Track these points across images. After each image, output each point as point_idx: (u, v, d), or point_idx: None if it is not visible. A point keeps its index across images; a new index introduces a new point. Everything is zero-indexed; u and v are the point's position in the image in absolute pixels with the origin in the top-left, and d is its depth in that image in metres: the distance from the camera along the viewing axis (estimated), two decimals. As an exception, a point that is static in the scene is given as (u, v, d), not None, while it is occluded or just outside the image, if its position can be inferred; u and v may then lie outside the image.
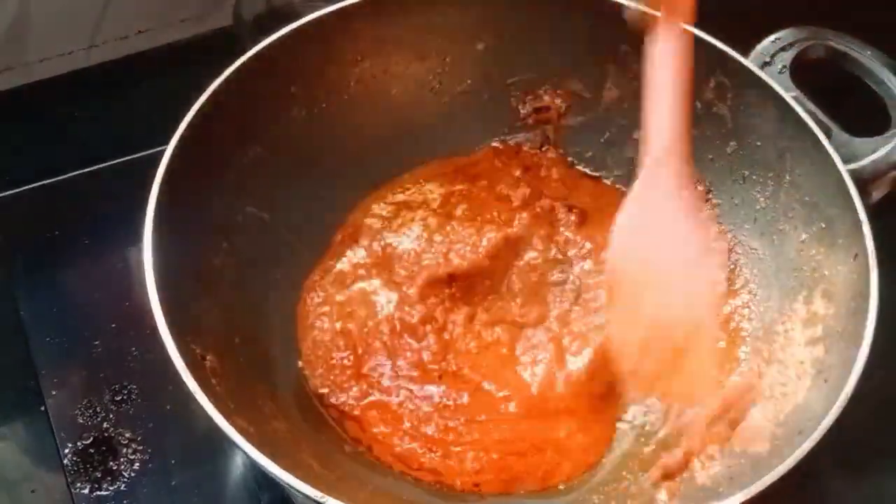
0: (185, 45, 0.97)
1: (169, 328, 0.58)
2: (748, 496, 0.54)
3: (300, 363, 0.72)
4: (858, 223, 0.65)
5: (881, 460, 0.74)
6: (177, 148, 0.66)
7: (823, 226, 0.68)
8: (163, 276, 0.60)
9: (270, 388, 0.68)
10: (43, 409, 0.73)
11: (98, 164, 0.87)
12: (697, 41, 0.71)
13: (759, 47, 0.75)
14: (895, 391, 0.74)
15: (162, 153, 0.65)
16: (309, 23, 0.73)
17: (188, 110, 0.67)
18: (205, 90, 0.69)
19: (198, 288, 0.66)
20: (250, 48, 0.72)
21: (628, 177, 0.81)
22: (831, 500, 0.73)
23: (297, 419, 0.68)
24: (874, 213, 0.66)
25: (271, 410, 0.66)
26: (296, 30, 0.73)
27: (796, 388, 0.64)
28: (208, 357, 0.62)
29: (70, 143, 0.91)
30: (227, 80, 0.69)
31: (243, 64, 0.70)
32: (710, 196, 0.77)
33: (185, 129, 0.66)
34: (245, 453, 0.55)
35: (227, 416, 0.55)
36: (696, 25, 0.72)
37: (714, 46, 0.73)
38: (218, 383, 0.60)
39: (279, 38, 0.72)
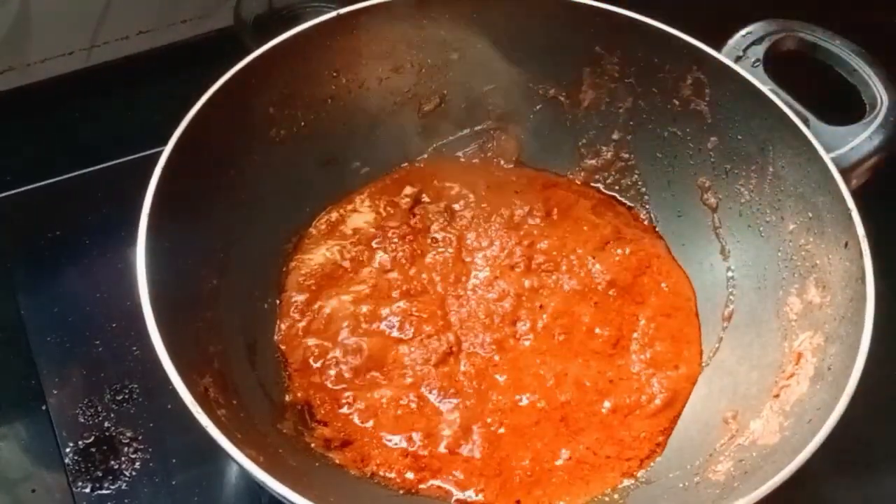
0: (186, 45, 0.96)
1: (173, 362, 0.56)
2: (772, 488, 0.54)
3: (298, 393, 0.70)
4: (847, 211, 0.64)
5: (881, 460, 0.74)
6: (166, 167, 0.64)
7: (811, 215, 0.68)
8: (160, 301, 0.59)
9: (271, 417, 0.67)
10: (44, 408, 0.72)
11: (98, 165, 0.86)
12: (673, 39, 0.72)
13: (731, 42, 0.74)
14: (893, 389, 0.74)
15: (161, 153, 0.64)
16: (284, 41, 0.72)
17: (188, 111, 0.66)
18: (206, 91, 0.68)
19: (196, 311, 0.66)
20: (251, 48, 0.71)
21: (608, 177, 0.83)
22: (830, 502, 0.73)
23: (303, 446, 0.67)
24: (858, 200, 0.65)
25: (274, 439, 0.65)
26: (272, 48, 0.71)
27: (799, 378, 0.64)
28: (210, 389, 0.61)
29: (70, 144, 0.91)
30: (198, 114, 0.67)
31: (219, 89, 0.68)
32: (710, 192, 0.77)
33: (170, 153, 0.65)
34: (265, 484, 0.54)
35: (239, 448, 0.54)
36: (669, 23, 0.72)
37: (690, 44, 0.72)
38: (223, 415, 0.59)
39: (255, 58, 0.71)
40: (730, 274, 0.75)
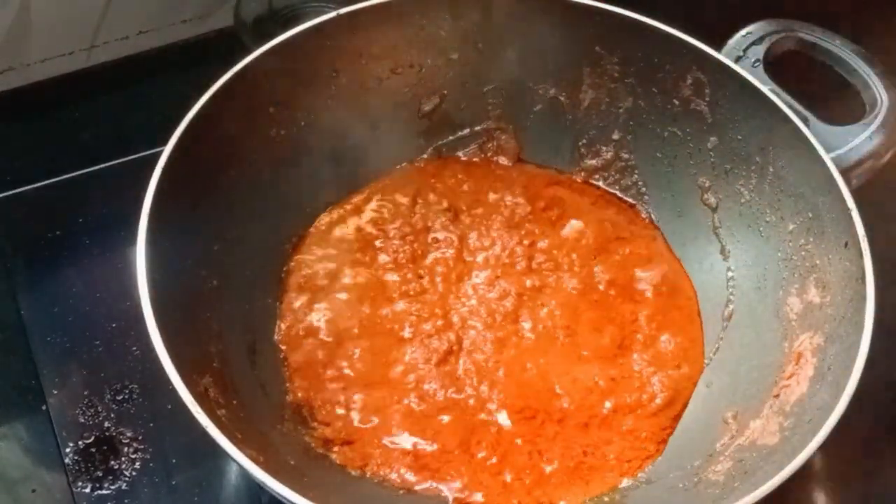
0: (186, 45, 0.96)
1: (173, 362, 0.56)
2: (772, 488, 0.54)
3: (299, 393, 0.70)
4: (847, 211, 0.64)
5: (881, 461, 0.73)
6: (166, 167, 0.64)
7: (811, 215, 0.68)
8: (160, 301, 0.59)
9: (270, 417, 0.67)
10: (44, 408, 0.72)
11: (98, 165, 0.86)
12: (673, 39, 0.72)
13: (731, 42, 0.74)
14: (893, 389, 0.74)
15: (161, 153, 0.64)
16: (284, 41, 0.72)
17: (188, 111, 0.66)
18: (206, 91, 0.67)
19: (196, 311, 0.65)
20: (251, 48, 0.71)
21: (609, 177, 0.83)
22: (830, 502, 0.72)
23: (303, 446, 0.67)
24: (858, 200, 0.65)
25: (274, 439, 0.65)
26: (272, 48, 0.71)
27: (799, 378, 0.63)
28: (210, 389, 0.61)
29: (70, 144, 0.90)
30: (197, 114, 0.67)
31: (219, 89, 0.68)
32: (710, 192, 0.77)
33: (170, 153, 0.65)
34: (265, 484, 0.53)
35: (239, 448, 0.54)
36: (669, 23, 0.72)
37: (690, 44, 0.72)
38: (223, 415, 0.59)
39: (255, 58, 0.70)
40: (730, 274, 0.75)
